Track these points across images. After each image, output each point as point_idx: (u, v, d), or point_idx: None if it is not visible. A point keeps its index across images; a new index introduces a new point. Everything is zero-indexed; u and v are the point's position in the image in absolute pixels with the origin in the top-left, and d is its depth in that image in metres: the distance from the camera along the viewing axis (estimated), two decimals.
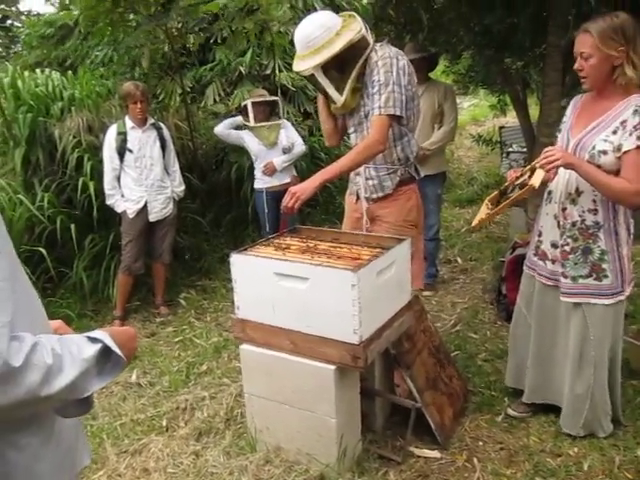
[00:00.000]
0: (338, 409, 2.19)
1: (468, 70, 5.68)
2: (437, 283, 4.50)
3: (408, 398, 2.53)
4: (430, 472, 2.34)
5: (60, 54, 5.74)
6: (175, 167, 4.27)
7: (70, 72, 5.08)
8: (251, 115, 4.43)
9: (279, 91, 5.41)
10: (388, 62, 2.46)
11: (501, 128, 8.08)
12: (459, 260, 5.05)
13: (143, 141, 4.05)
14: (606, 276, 2.30)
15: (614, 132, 2.17)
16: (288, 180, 4.52)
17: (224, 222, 5.45)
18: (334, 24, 2.46)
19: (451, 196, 7.12)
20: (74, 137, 4.38)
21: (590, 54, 2.15)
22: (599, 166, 2.18)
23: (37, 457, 1.09)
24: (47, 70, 5.17)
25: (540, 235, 2.50)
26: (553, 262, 2.43)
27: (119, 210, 4.07)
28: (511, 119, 9.46)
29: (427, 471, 2.35)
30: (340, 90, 2.54)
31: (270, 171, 4.49)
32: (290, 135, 4.61)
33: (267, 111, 4.54)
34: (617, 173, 2.17)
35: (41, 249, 4.10)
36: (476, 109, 14.64)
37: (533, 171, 2.24)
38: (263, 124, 4.46)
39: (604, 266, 2.29)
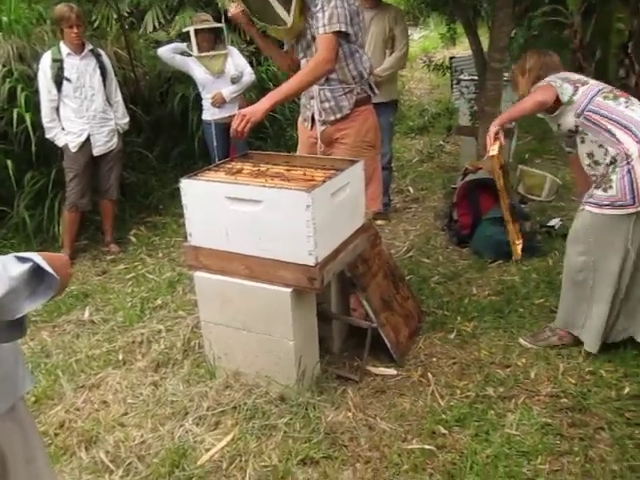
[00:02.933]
0: (296, 331, 2.20)
1: None
2: (390, 212, 4.53)
3: (364, 320, 2.58)
4: (387, 388, 2.42)
5: None
6: (118, 97, 4.05)
7: None
8: (194, 43, 4.20)
9: (223, 18, 5.15)
10: None
11: (452, 58, 8.02)
12: (411, 189, 5.08)
13: (82, 69, 3.80)
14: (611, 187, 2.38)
15: None
16: (237, 111, 4.37)
17: (172, 156, 5.28)
18: None
19: (402, 127, 7.09)
20: (4, 66, 4.08)
21: None
22: None
23: None
24: None
25: None
26: None
27: (60, 144, 3.86)
28: (462, 50, 9.40)
29: (384, 387, 2.43)
30: (287, 10, 2.42)
31: (218, 102, 4.33)
32: (238, 63, 4.42)
33: (212, 39, 4.31)
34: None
35: None
36: (426, 41, 14.45)
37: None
38: (207, 54, 4.26)
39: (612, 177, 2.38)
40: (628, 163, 2.33)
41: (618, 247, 2.38)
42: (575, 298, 2.56)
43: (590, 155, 2.49)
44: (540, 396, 2.30)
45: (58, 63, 3.74)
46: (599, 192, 2.41)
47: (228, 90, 4.33)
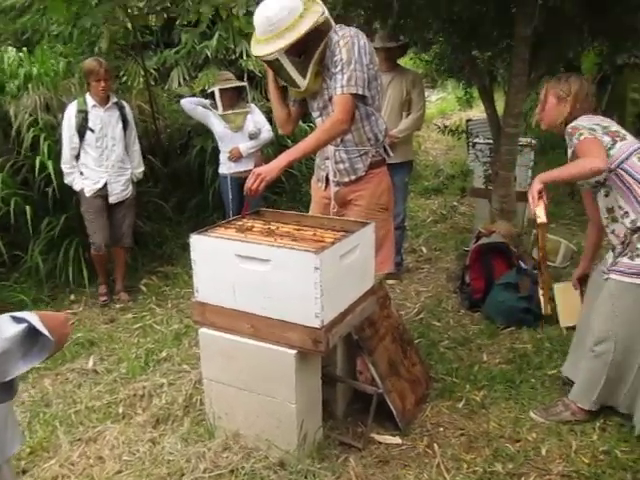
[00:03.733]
0: (298, 394, 2.15)
1: (435, 57, 5.68)
2: (402, 272, 4.50)
3: (370, 385, 2.51)
4: (391, 458, 2.33)
5: (17, 28, 5.51)
6: (135, 147, 4.16)
7: (26, 48, 4.88)
8: (219, 102, 4.33)
9: (245, 76, 5.32)
10: (349, 41, 2.41)
11: (468, 120, 8.14)
12: (424, 250, 5.06)
13: (105, 120, 3.92)
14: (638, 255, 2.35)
15: None
16: (253, 167, 4.45)
17: (188, 207, 5.34)
18: (296, 6, 2.36)
19: (417, 187, 7.15)
20: (30, 115, 4.22)
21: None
22: None
23: None
24: (3, 47, 4.96)
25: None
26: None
27: (77, 188, 3.95)
28: (478, 113, 9.55)
29: (388, 457, 2.34)
30: (303, 74, 2.48)
31: (235, 157, 4.41)
32: (257, 120, 4.53)
33: (235, 96, 4.44)
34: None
35: None
36: (444, 102, 14.74)
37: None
38: (231, 112, 4.38)
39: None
40: None
41: None
42: (592, 371, 2.48)
43: (610, 210, 2.44)
44: (551, 475, 2.20)
45: (83, 114, 3.86)
46: (625, 260, 2.36)
47: (245, 146, 4.41)
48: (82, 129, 3.86)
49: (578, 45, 4.71)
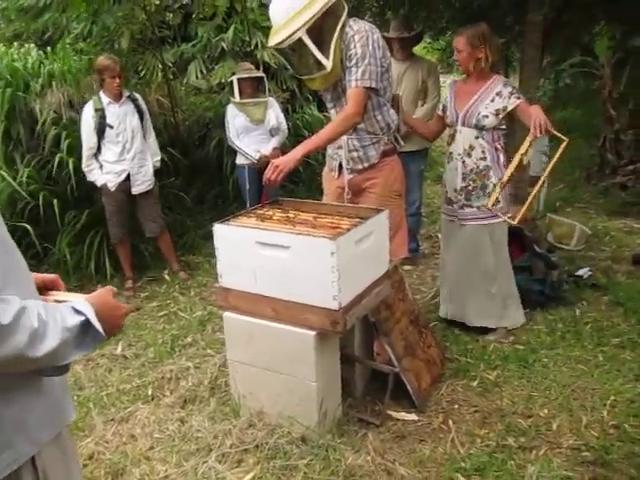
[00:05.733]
0: (318, 373, 2.26)
1: (448, 45, 5.72)
2: (418, 258, 4.58)
3: (387, 365, 2.62)
4: (407, 433, 2.44)
5: (39, 27, 5.65)
6: (152, 136, 4.29)
7: (49, 47, 5.02)
8: (236, 91, 4.41)
9: (261, 68, 5.40)
10: (364, 36, 2.49)
11: None
12: (440, 236, 5.12)
13: (122, 115, 4.04)
14: (499, 202, 3.05)
15: (492, 100, 3.06)
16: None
17: (207, 198, 5.47)
18: None
19: (433, 173, 7.20)
20: (55, 112, 4.36)
21: (461, 50, 3.05)
22: (484, 126, 3.06)
23: (27, 409, 1.14)
24: (26, 45, 5.11)
25: (446, 187, 3.31)
26: (455, 203, 3.23)
27: (99, 184, 4.09)
28: None
29: (404, 432, 2.45)
30: (326, 55, 2.52)
31: (265, 163, 4.41)
32: (279, 114, 4.61)
33: (254, 87, 4.51)
34: (496, 129, 3.09)
35: (25, 224, 4.11)
36: None
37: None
38: (249, 100, 4.45)
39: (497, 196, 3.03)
40: None
41: None
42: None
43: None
44: (562, 448, 2.29)
45: (100, 112, 3.98)
46: None
47: (268, 148, 4.48)
48: (101, 127, 3.99)
49: (591, 30, 4.72)
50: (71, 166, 4.22)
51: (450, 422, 2.50)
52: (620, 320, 3.30)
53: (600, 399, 2.58)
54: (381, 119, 2.69)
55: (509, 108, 3.04)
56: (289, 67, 6.11)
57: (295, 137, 5.87)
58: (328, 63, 2.54)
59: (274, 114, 4.56)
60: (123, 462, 2.37)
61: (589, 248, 4.50)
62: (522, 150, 2.93)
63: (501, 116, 3.07)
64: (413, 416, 2.54)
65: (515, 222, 3.03)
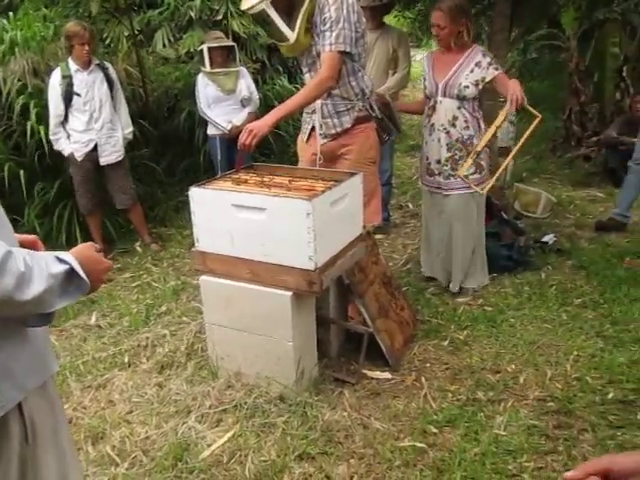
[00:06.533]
0: (295, 333, 2.32)
1: (418, 15, 5.74)
2: (389, 227, 4.65)
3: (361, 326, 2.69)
4: (382, 390, 2.53)
5: None
6: (123, 107, 4.21)
7: (11, 13, 4.86)
8: (207, 60, 4.35)
9: (230, 37, 5.33)
10: (338, 0, 2.50)
11: None
12: (410, 205, 5.21)
13: (90, 83, 3.96)
14: (483, 169, 3.20)
15: (471, 71, 3.08)
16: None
17: (178, 170, 5.42)
18: None
19: (402, 146, 7.25)
20: (19, 80, 4.24)
21: (444, 26, 3.05)
22: (464, 96, 3.10)
23: (12, 357, 1.16)
24: None
25: (427, 159, 3.33)
26: (439, 174, 3.27)
27: (66, 153, 4.03)
28: None
29: (379, 390, 2.53)
30: (291, 27, 2.57)
31: (236, 133, 4.38)
32: (249, 84, 4.57)
33: (225, 56, 4.45)
34: (475, 99, 3.14)
35: None
36: None
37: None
38: (220, 70, 4.40)
39: (482, 163, 3.19)
40: None
41: None
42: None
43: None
44: (528, 400, 2.40)
45: (67, 79, 3.90)
46: None
47: (240, 118, 4.45)
48: (68, 94, 3.90)
49: (558, 1, 4.79)
50: (42, 134, 4.12)
51: (422, 379, 2.59)
52: (583, 282, 3.44)
53: (564, 354, 2.71)
54: (355, 85, 2.71)
55: (487, 79, 3.08)
56: (259, 37, 6.08)
57: (265, 108, 5.81)
58: (292, 35, 2.57)
59: (245, 84, 4.53)
60: (102, 426, 2.39)
61: (554, 216, 4.64)
62: (497, 122, 2.99)
63: (480, 86, 3.10)
64: (387, 374, 2.63)
65: (484, 192, 3.16)
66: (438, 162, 3.26)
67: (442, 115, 3.18)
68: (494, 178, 3.15)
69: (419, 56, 15.03)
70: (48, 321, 1.19)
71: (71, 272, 1.15)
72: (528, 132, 2.97)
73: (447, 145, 3.20)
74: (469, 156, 3.11)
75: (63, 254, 1.17)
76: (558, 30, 6.18)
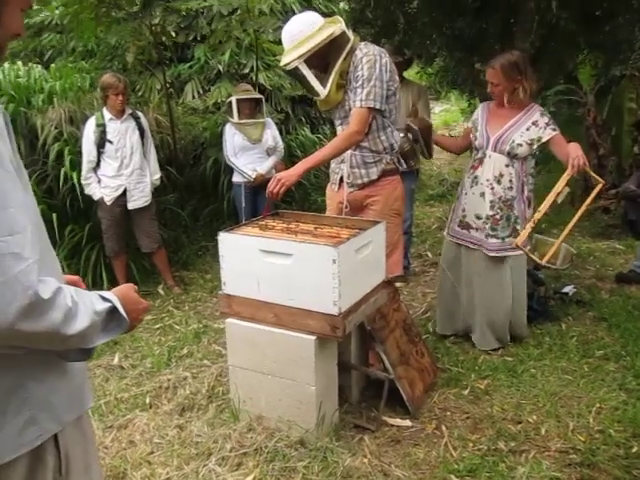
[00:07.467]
0: (318, 377, 2.35)
1: (439, 71, 5.93)
2: (409, 275, 4.69)
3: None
4: (402, 438, 2.52)
5: (38, 46, 5.79)
6: (152, 154, 4.40)
7: (53, 65, 5.14)
8: (235, 111, 4.55)
9: (257, 90, 5.56)
10: (372, 59, 2.64)
11: None
12: (429, 254, 5.26)
13: (122, 132, 4.16)
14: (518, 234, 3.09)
15: (527, 129, 3.04)
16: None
17: (202, 215, 5.56)
18: (316, 21, 2.66)
19: (422, 195, 7.37)
20: (56, 128, 4.46)
21: (498, 83, 3.03)
22: (516, 154, 3.06)
23: (53, 390, 1.22)
24: (30, 64, 5.22)
25: (464, 211, 3.25)
26: (477, 230, 3.20)
27: (96, 198, 4.20)
28: None
29: (399, 437, 2.53)
30: (323, 84, 2.71)
31: (259, 181, 4.53)
32: (275, 135, 4.76)
33: (252, 108, 4.66)
34: (525, 160, 3.10)
35: None
36: (447, 114, 14.99)
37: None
38: (248, 121, 4.59)
39: (518, 227, 3.14)
40: None
41: None
42: None
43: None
44: (550, 451, 2.38)
45: (101, 127, 4.11)
46: None
47: (265, 167, 4.61)
48: (101, 141, 4.11)
49: (575, 58, 4.93)
50: (75, 180, 4.31)
51: (443, 428, 2.58)
52: (604, 334, 3.43)
53: (586, 406, 2.68)
54: (385, 139, 2.81)
55: (544, 139, 3.02)
56: (283, 89, 6.32)
57: (289, 157, 6.02)
58: (323, 91, 2.71)
59: (271, 134, 4.70)
60: (123, 466, 2.41)
61: (574, 267, 4.64)
62: (557, 188, 2.88)
63: (535, 146, 3.04)
64: (407, 422, 2.62)
65: (544, 262, 3.02)
66: (478, 218, 3.17)
67: (489, 170, 3.10)
68: (554, 248, 3.06)
69: (438, 109, 15.42)
70: (88, 356, 1.25)
71: (113, 310, 1.22)
72: (589, 199, 2.89)
73: (491, 202, 3.11)
74: (528, 224, 2.98)
75: (106, 293, 1.24)
76: (575, 85, 6.33)
